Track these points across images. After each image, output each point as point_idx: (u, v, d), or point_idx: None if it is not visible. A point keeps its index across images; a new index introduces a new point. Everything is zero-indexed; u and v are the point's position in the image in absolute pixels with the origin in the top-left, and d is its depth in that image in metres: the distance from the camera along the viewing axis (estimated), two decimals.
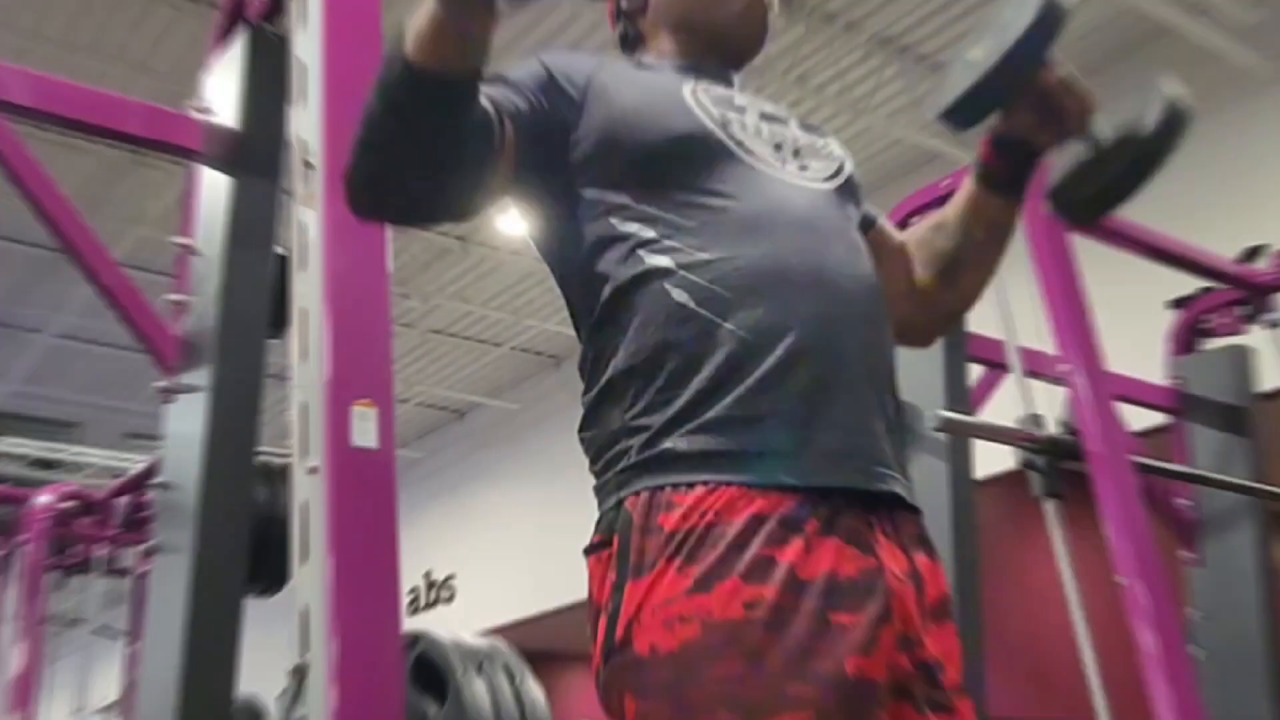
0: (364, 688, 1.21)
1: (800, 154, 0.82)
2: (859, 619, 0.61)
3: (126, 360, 6.03)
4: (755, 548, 0.61)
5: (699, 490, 0.63)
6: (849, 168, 0.85)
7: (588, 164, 0.76)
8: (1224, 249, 2.75)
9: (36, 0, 4.30)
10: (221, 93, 1.61)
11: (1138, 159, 0.75)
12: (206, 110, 1.61)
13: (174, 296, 1.64)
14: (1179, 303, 2.81)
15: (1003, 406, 2.33)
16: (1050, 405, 2.10)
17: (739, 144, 0.76)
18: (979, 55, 0.74)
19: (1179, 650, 1.89)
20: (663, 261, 0.70)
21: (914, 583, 0.67)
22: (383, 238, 1.39)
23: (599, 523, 0.70)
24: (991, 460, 2.54)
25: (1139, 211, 1.93)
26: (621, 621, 0.63)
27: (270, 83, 1.54)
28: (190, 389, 1.53)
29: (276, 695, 1.40)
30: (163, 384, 1.59)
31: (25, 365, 6.99)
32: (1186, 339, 2.78)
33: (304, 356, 1.34)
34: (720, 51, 0.87)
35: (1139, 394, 2.66)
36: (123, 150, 2.48)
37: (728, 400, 0.65)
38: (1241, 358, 2.66)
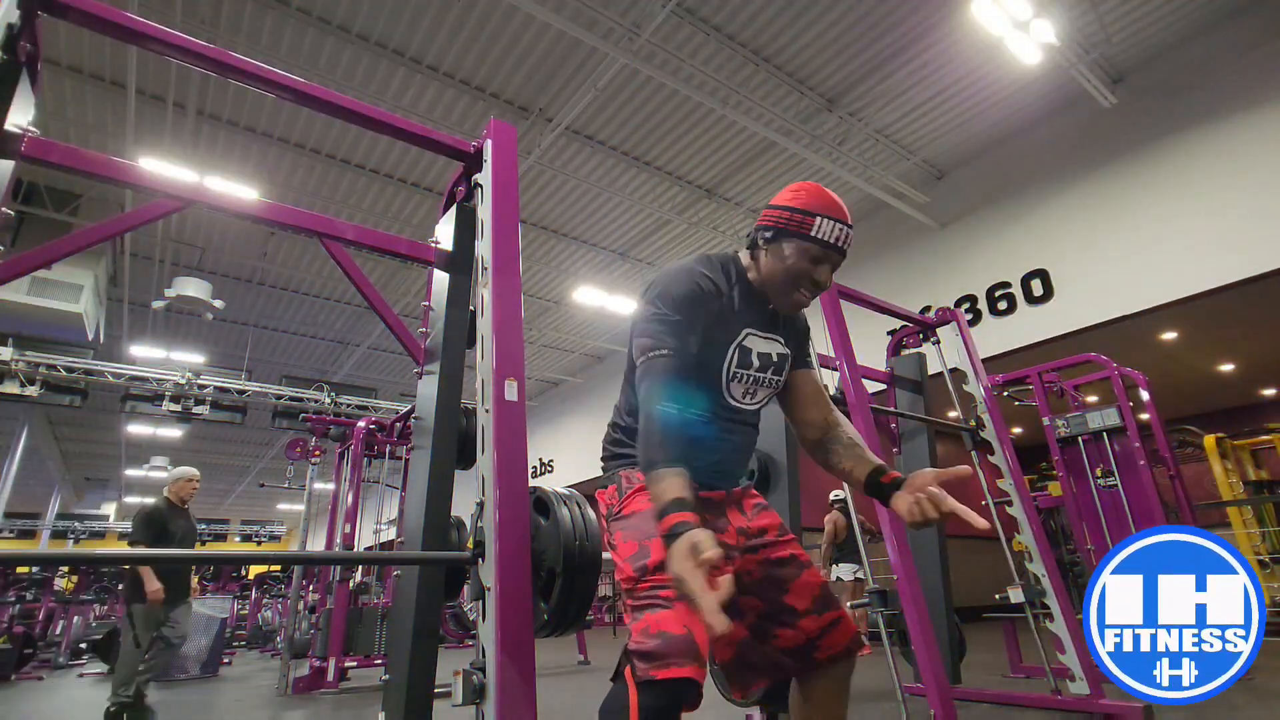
0: (509, 511, 1.43)
1: (757, 389, 1.21)
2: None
3: (400, 359, 11.55)
4: None
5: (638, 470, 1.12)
6: (786, 367, 1.24)
7: None
8: (913, 306, 3.87)
9: (358, 193, 7.46)
10: (445, 234, 1.89)
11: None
12: (438, 242, 1.87)
13: (422, 329, 1.90)
14: (892, 331, 3.60)
15: None
16: (830, 381, 2.38)
17: (729, 388, 1.18)
18: None
19: None
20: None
21: (736, 504, 1.22)
22: (519, 305, 1.63)
23: (606, 479, 1.23)
24: None
25: (879, 287, 3.60)
26: (619, 504, 1.18)
27: (467, 229, 1.82)
28: (430, 372, 1.80)
29: (470, 514, 1.51)
30: (417, 370, 1.86)
31: (352, 362, 11.87)
32: (895, 348, 3.57)
33: (483, 356, 1.60)
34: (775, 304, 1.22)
35: (873, 375, 3.24)
36: (399, 261, 3.33)
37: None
38: (919, 358, 3.48)
